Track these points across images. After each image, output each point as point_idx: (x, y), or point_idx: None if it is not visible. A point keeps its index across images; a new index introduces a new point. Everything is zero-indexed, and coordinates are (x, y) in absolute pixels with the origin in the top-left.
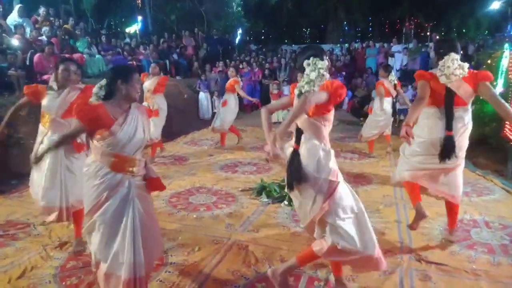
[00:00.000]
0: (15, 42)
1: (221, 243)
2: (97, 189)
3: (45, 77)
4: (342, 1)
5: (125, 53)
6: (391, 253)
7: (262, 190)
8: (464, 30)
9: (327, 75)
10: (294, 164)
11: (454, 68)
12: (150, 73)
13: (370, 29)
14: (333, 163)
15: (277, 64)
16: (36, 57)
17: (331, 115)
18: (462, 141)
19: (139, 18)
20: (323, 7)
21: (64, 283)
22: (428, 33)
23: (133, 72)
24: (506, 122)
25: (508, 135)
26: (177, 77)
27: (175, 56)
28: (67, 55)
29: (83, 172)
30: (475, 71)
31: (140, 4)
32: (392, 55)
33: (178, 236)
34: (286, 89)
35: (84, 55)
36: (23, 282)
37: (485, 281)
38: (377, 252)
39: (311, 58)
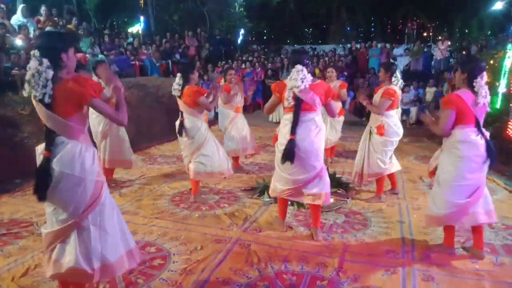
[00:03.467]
0: (18, 42)
1: (223, 242)
2: None
3: None
4: (344, 1)
5: (127, 53)
6: (393, 253)
7: (264, 189)
8: (466, 31)
9: (47, 75)
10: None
11: (295, 79)
12: None
13: (373, 29)
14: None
15: (280, 64)
16: None
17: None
18: (317, 143)
19: (142, 18)
20: (326, 7)
21: None
22: (430, 34)
23: None
24: (510, 123)
25: (511, 135)
26: None
27: (177, 56)
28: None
29: None
30: (329, 85)
31: (143, 4)
32: (395, 59)
33: (180, 235)
34: None
35: (87, 55)
36: (26, 280)
37: (488, 281)
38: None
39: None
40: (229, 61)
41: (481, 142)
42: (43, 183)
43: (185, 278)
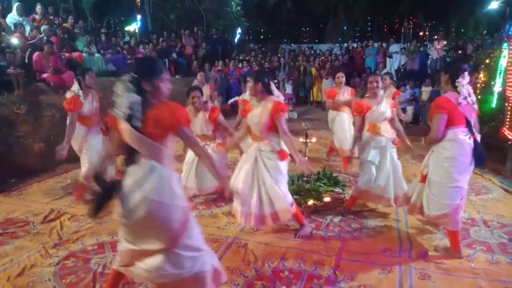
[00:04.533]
0: (14, 40)
1: (220, 241)
2: None
3: (44, 75)
4: (341, 0)
5: (124, 52)
6: (390, 252)
7: None
8: (462, 30)
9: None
10: None
11: None
12: None
13: (369, 28)
14: None
15: (277, 63)
16: (35, 55)
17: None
18: None
19: (139, 17)
20: (322, 6)
21: (63, 281)
22: (427, 33)
23: None
24: (506, 121)
25: (506, 134)
26: (177, 76)
27: (174, 55)
28: (66, 54)
29: None
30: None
31: (139, 3)
32: (390, 56)
33: None
34: (288, 88)
35: (84, 54)
36: (22, 280)
37: (484, 280)
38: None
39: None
40: (226, 60)
41: (468, 142)
42: (104, 203)
43: None
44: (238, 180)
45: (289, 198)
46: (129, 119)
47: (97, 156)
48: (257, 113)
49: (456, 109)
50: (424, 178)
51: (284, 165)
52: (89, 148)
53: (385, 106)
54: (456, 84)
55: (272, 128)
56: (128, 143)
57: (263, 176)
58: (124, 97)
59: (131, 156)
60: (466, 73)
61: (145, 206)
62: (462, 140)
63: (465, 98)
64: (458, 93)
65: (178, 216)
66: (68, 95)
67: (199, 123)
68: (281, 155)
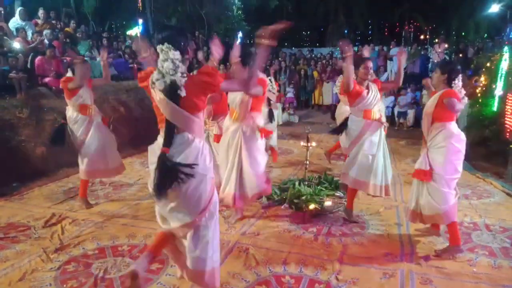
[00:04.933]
0: (16, 45)
1: (221, 246)
2: None
3: (46, 79)
4: (341, 4)
5: (126, 56)
6: (391, 256)
7: None
8: (463, 33)
9: (182, 68)
10: None
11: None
12: None
13: (370, 32)
14: None
15: (278, 67)
16: (37, 60)
17: None
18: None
19: (140, 21)
20: (323, 10)
21: (64, 286)
22: (427, 36)
23: None
24: (506, 124)
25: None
26: None
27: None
28: (68, 58)
29: None
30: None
31: (141, 7)
32: (391, 59)
33: None
34: (289, 92)
35: (85, 58)
36: (23, 285)
37: (486, 284)
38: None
39: (165, 44)
40: (227, 63)
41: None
42: (166, 180)
43: (183, 282)
44: (222, 162)
45: (263, 176)
46: (168, 89)
47: (98, 153)
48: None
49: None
50: (422, 174)
51: (262, 144)
52: (91, 144)
53: (374, 88)
54: (453, 85)
55: (255, 107)
56: (164, 115)
57: (243, 157)
58: (169, 61)
59: (169, 128)
60: (460, 75)
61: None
62: (463, 135)
63: (462, 98)
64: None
65: (209, 187)
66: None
67: None
68: (263, 133)
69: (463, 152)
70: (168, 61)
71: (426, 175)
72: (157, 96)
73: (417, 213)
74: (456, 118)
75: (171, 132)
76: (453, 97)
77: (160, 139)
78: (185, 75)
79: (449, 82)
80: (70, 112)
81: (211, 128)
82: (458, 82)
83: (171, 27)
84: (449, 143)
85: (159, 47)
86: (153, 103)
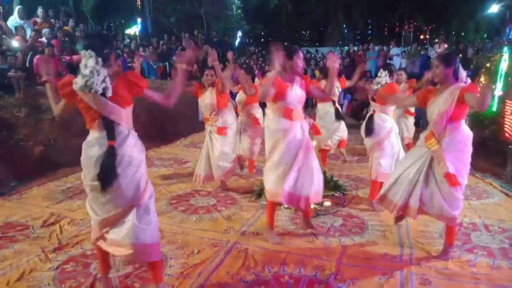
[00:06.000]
0: (15, 43)
1: (220, 246)
2: None
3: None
4: (341, 4)
5: (124, 54)
6: (391, 257)
7: (261, 192)
8: (463, 34)
9: (103, 72)
10: None
11: None
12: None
13: (370, 32)
14: None
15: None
16: (36, 58)
17: None
18: None
19: (139, 20)
20: (322, 9)
21: (63, 285)
22: (427, 36)
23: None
24: (505, 125)
25: (509, 137)
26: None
27: (174, 58)
28: (67, 57)
29: None
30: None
31: (139, 6)
32: (391, 59)
33: (177, 238)
34: None
35: None
36: (21, 284)
37: (485, 285)
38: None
39: (88, 50)
40: (227, 62)
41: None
42: (111, 171)
43: (181, 283)
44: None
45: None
46: (104, 92)
47: None
48: (207, 95)
49: None
50: (454, 179)
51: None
52: None
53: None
54: (459, 76)
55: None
56: (97, 113)
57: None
58: (99, 71)
59: (108, 123)
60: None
61: (126, 164)
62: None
63: None
64: None
65: (145, 170)
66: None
67: (207, 99)
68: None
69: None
70: (87, 66)
71: (455, 180)
72: (89, 97)
73: (412, 208)
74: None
75: (111, 126)
76: (476, 92)
77: (93, 135)
78: (107, 78)
79: (455, 75)
80: None
81: (214, 123)
82: (463, 73)
83: (97, 35)
84: (466, 146)
85: (82, 53)
86: (79, 106)
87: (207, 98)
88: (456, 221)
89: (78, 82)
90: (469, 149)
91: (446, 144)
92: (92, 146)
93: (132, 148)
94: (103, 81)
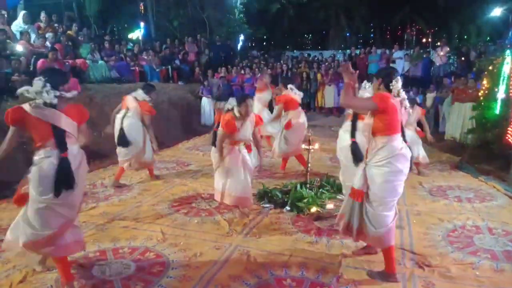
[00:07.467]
0: (19, 48)
1: (222, 249)
2: None
3: None
4: (343, 7)
5: (127, 59)
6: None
7: (264, 195)
8: (465, 37)
9: (49, 95)
10: None
11: None
12: None
13: (372, 35)
14: None
15: (279, 70)
16: (39, 62)
17: None
18: None
19: (142, 24)
20: (325, 13)
21: (65, 287)
22: (429, 39)
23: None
24: (509, 128)
25: (511, 141)
26: (179, 83)
27: (177, 62)
28: (70, 61)
29: None
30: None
31: (143, 11)
32: (394, 61)
33: (180, 241)
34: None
35: (87, 61)
36: (24, 286)
37: None
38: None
39: (40, 77)
40: (229, 66)
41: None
42: (69, 180)
43: (184, 285)
44: None
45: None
46: (55, 104)
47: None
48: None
49: (397, 112)
50: (358, 195)
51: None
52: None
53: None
54: (391, 87)
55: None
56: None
57: None
58: (49, 91)
59: (61, 136)
60: (399, 77)
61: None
62: (405, 153)
63: (404, 100)
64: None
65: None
66: None
67: (247, 130)
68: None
69: (406, 171)
70: (33, 88)
71: (359, 196)
72: (46, 114)
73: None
74: (401, 129)
75: (64, 140)
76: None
77: (46, 152)
78: (55, 100)
79: (386, 86)
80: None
81: None
82: (397, 84)
83: (52, 69)
84: (390, 163)
85: (35, 79)
86: (31, 127)
87: (246, 131)
88: (385, 243)
89: (36, 102)
90: (395, 166)
91: (370, 157)
92: (47, 159)
93: (79, 160)
94: (54, 97)
